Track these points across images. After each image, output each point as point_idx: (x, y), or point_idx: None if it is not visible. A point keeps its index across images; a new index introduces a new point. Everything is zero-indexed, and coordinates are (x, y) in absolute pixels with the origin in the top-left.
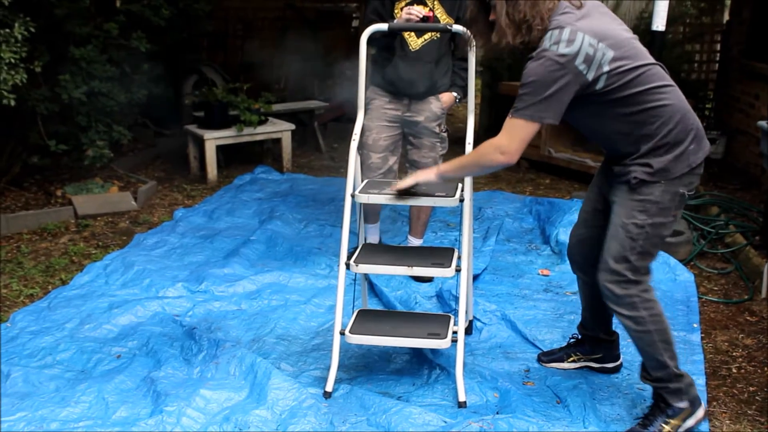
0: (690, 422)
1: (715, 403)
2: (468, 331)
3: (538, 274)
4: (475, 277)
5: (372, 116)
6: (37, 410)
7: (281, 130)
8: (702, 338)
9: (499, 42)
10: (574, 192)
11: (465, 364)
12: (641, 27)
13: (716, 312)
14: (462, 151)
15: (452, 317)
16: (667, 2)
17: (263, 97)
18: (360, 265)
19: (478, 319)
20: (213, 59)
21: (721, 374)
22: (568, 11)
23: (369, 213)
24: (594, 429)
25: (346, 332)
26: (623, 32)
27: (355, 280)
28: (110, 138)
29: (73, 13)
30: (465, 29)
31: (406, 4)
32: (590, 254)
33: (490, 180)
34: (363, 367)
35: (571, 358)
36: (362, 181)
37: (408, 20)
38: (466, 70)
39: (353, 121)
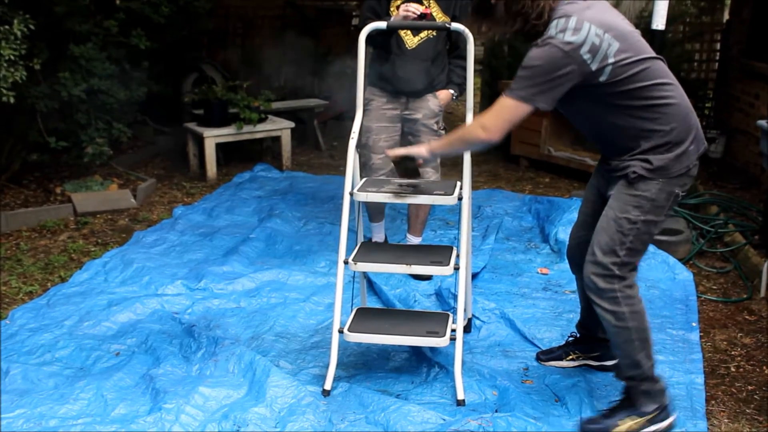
0: (651, 428)
1: (713, 402)
2: (467, 329)
3: (537, 273)
4: (474, 276)
5: (371, 117)
6: (35, 407)
7: (281, 128)
8: (701, 337)
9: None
10: (573, 191)
11: (464, 363)
12: (641, 26)
13: (715, 311)
14: None
15: (451, 315)
16: (667, 1)
17: (263, 95)
18: (359, 263)
19: (477, 318)
20: (213, 57)
21: (720, 373)
22: (574, 1)
23: (374, 212)
24: None
25: (345, 330)
26: (626, 26)
27: (354, 278)
28: (110, 135)
29: (73, 11)
30: (464, 27)
31: (402, 2)
32: None
33: (490, 178)
34: (362, 365)
35: (570, 357)
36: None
37: (405, 17)
38: (462, 67)
39: (353, 119)
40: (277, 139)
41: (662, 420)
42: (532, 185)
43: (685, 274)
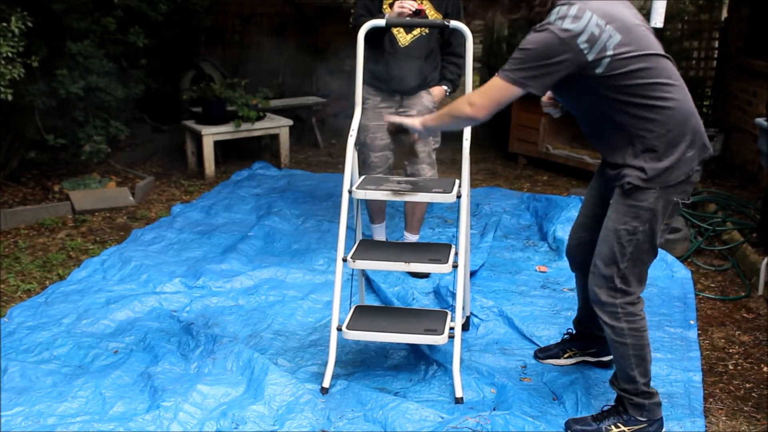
0: None
1: (711, 400)
2: (465, 327)
3: (536, 271)
4: (473, 274)
5: (368, 116)
6: (34, 405)
7: (279, 125)
8: (699, 335)
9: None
10: (571, 189)
11: (462, 360)
12: None
13: (713, 309)
14: (459, 147)
15: (449, 313)
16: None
17: (261, 92)
18: (357, 260)
19: (476, 316)
20: (211, 54)
21: (718, 371)
22: None
23: (375, 213)
24: None
25: (343, 328)
26: (633, 18)
27: (352, 275)
28: (108, 133)
29: (71, 8)
30: (463, 25)
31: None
32: (589, 257)
33: (488, 176)
34: (360, 363)
35: (567, 354)
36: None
37: (400, 14)
38: (455, 64)
39: (351, 116)
40: (275, 137)
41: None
42: (530, 183)
43: (683, 272)
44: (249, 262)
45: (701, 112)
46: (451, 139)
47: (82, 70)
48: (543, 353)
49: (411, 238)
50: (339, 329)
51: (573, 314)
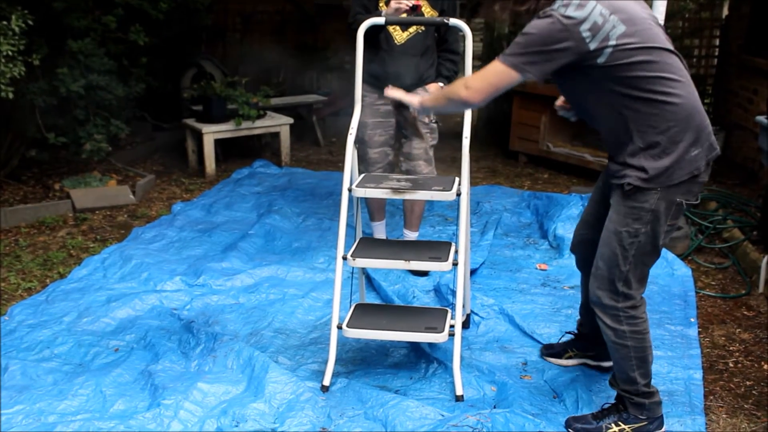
0: None
1: (711, 398)
2: (465, 325)
3: (536, 269)
4: (473, 272)
5: (365, 113)
6: (35, 403)
7: (280, 124)
8: (699, 333)
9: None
10: (572, 187)
11: (462, 358)
12: None
13: (713, 306)
14: (459, 146)
15: (449, 311)
16: None
17: (262, 90)
18: (357, 259)
19: (476, 313)
20: (212, 53)
21: (718, 369)
22: None
23: (374, 210)
24: None
25: (344, 326)
26: (640, 12)
27: (353, 274)
28: (108, 131)
29: (72, 6)
30: (463, 23)
31: None
32: (591, 256)
33: (488, 174)
34: (360, 361)
35: (567, 354)
36: (360, 174)
37: (397, 9)
38: (451, 60)
39: (351, 115)
40: (276, 135)
41: (651, 429)
42: (530, 181)
43: (683, 270)
44: (249, 260)
45: None
46: (451, 138)
47: (82, 69)
48: (547, 351)
49: (410, 235)
50: (339, 327)
51: (573, 312)
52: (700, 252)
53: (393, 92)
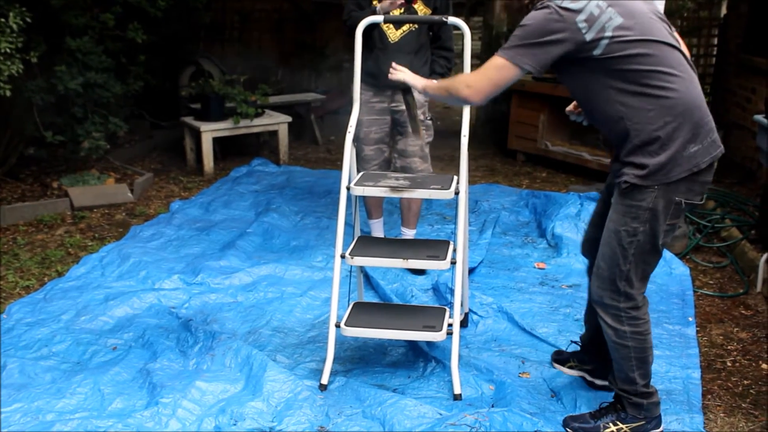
0: None
1: (709, 397)
2: (464, 323)
3: (534, 268)
4: (471, 270)
5: (361, 110)
6: (33, 401)
7: (278, 122)
8: (697, 332)
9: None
10: (570, 185)
11: (460, 357)
12: None
13: (711, 305)
14: (457, 144)
15: (447, 310)
16: None
17: (260, 89)
18: (355, 257)
19: (474, 312)
20: (210, 51)
21: (716, 368)
22: None
23: (372, 207)
24: None
25: (342, 325)
26: (642, 5)
27: (351, 272)
28: (106, 129)
29: (70, 4)
30: (461, 22)
31: None
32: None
33: (487, 173)
34: (359, 360)
35: (570, 364)
36: (359, 173)
37: (392, 3)
38: (445, 57)
39: (350, 113)
40: (274, 134)
41: (648, 429)
42: (529, 180)
43: (681, 269)
44: (248, 258)
45: None
46: (449, 136)
47: (80, 67)
48: (556, 356)
49: (408, 233)
50: (337, 326)
51: (571, 311)
52: (698, 251)
53: (399, 73)
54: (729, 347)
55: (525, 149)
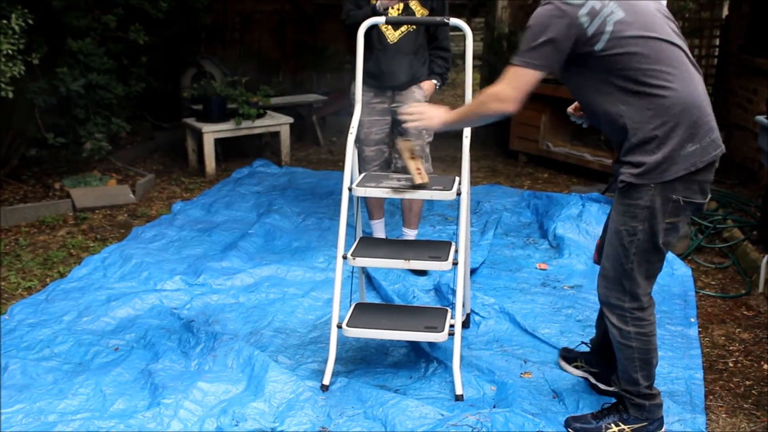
0: None
1: (711, 397)
2: (466, 324)
3: (536, 268)
4: (473, 271)
5: (362, 111)
6: (35, 402)
7: (280, 123)
8: (699, 332)
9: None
10: (572, 186)
11: (462, 358)
12: None
13: (713, 306)
14: (459, 145)
15: (449, 311)
16: None
17: (262, 90)
18: (357, 258)
19: (476, 313)
20: (211, 52)
21: (718, 368)
22: None
23: (373, 209)
24: None
25: (344, 325)
26: (647, 4)
27: (353, 273)
28: (108, 131)
29: (71, 6)
30: (463, 23)
31: None
32: None
33: (489, 174)
34: (360, 360)
35: (576, 363)
36: (360, 173)
37: None
38: (442, 57)
39: (351, 114)
40: (275, 135)
41: (651, 430)
42: (530, 181)
43: (683, 270)
44: (249, 259)
45: None
46: (451, 137)
47: (82, 68)
48: (564, 353)
49: (410, 233)
50: (339, 326)
51: (573, 312)
52: (700, 252)
53: (415, 122)
54: (731, 348)
55: (527, 150)
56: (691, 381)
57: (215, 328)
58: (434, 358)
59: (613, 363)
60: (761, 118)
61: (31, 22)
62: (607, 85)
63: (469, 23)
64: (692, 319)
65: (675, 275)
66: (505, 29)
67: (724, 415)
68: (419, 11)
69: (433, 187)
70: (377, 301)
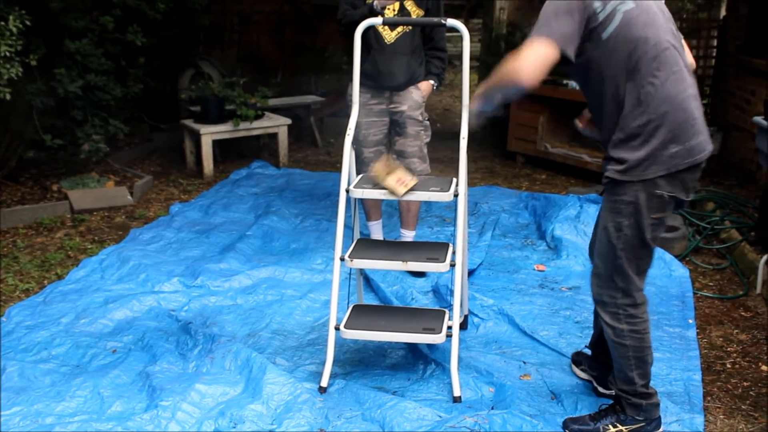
0: None
1: (709, 398)
2: (464, 326)
3: (534, 270)
4: (471, 273)
5: (360, 112)
6: (32, 405)
7: (277, 124)
8: (697, 334)
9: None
10: (570, 187)
11: (460, 359)
12: None
13: (711, 307)
14: (456, 146)
15: (447, 312)
16: None
17: (260, 91)
18: (355, 260)
19: (474, 314)
20: (209, 53)
21: (716, 369)
22: None
23: (370, 210)
24: None
25: (341, 327)
26: (654, 5)
27: (350, 275)
28: (106, 132)
29: (69, 7)
30: (460, 24)
31: None
32: None
33: (486, 175)
34: (358, 362)
35: (581, 367)
36: (358, 175)
37: None
38: (438, 58)
39: (349, 115)
40: (273, 136)
41: (649, 430)
42: (528, 182)
43: (681, 271)
44: (247, 261)
45: None
46: (448, 138)
47: (80, 69)
48: (575, 356)
49: (407, 234)
50: (337, 328)
51: (571, 313)
52: (698, 253)
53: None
54: (729, 349)
55: (525, 151)
56: (689, 382)
57: (213, 329)
58: (432, 359)
59: (609, 365)
60: (759, 119)
61: (28, 23)
62: (608, 76)
63: (467, 24)
64: (690, 321)
65: (673, 276)
66: (503, 30)
67: (722, 416)
68: (415, 12)
69: (431, 189)
70: (375, 302)
